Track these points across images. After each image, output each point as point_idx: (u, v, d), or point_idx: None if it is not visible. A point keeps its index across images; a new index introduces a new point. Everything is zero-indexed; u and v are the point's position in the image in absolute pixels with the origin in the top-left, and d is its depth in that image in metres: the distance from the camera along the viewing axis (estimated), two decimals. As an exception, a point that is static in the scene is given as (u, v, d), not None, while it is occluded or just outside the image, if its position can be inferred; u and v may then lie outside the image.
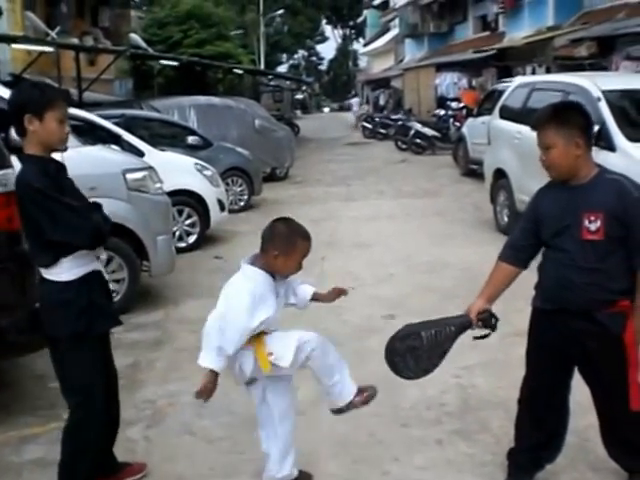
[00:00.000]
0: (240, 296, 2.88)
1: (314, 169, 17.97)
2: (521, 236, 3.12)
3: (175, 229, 8.26)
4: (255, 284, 2.92)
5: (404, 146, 21.61)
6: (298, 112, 47.61)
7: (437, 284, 6.78)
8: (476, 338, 3.09)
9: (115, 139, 8.15)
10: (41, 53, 14.74)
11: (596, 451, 3.40)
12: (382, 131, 26.55)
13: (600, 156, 4.82)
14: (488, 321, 3.06)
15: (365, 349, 5.11)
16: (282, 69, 72.63)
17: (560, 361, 3.06)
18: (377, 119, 28.80)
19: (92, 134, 7.69)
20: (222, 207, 9.25)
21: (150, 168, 6.48)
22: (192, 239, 8.91)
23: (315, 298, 3.23)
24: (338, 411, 3.20)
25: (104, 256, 5.80)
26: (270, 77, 37.68)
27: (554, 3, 21.33)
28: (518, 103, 9.12)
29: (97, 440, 3.18)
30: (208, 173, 9.21)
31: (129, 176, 6.07)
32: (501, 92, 11.38)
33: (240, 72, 28.80)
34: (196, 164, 9.16)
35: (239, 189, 12.02)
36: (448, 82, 27.55)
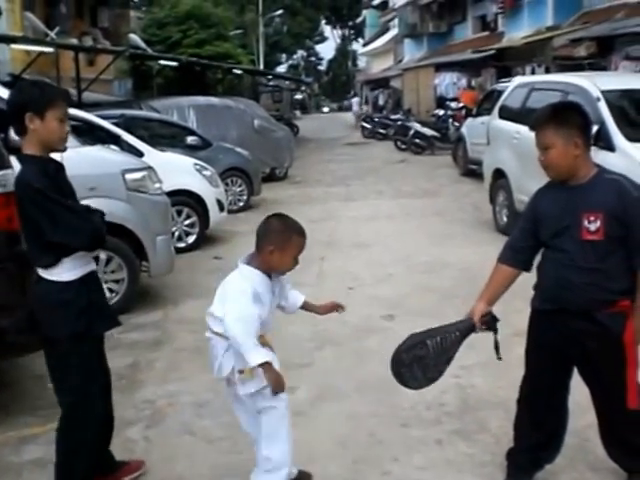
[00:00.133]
0: (243, 292, 2.88)
1: (313, 169, 17.98)
2: (520, 237, 3.12)
3: (174, 229, 8.26)
4: (252, 283, 2.92)
5: (403, 146, 21.62)
6: (297, 112, 47.61)
7: (436, 284, 6.78)
8: (496, 347, 3.09)
9: (114, 139, 8.15)
10: (40, 53, 14.73)
11: (595, 451, 3.40)
12: (381, 131, 26.56)
13: (599, 156, 4.82)
14: (491, 323, 3.07)
15: (364, 349, 5.12)
16: (281, 69, 72.71)
17: (559, 361, 3.06)
18: (376, 119, 28.82)
19: (91, 134, 7.70)
20: (221, 207, 9.25)
21: (149, 168, 6.47)
22: (191, 239, 8.91)
23: (306, 307, 3.18)
24: None
25: (103, 256, 5.85)
26: (269, 77, 37.67)
27: (553, 3, 21.36)
28: (517, 103, 9.13)
29: (94, 440, 3.18)
30: (207, 173, 9.21)
31: (128, 176, 6.07)
32: (500, 92, 11.39)
33: (239, 72, 28.81)
34: (195, 164, 9.16)
35: (238, 189, 12.03)
36: (447, 82, 27.58)
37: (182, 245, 8.67)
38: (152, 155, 8.18)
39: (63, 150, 3.07)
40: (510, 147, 8.80)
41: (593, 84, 7.54)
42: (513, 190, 8.58)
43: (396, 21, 41.39)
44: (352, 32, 78.07)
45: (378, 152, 22.16)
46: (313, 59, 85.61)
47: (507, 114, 9.42)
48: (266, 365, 2.83)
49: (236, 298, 2.87)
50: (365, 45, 57.71)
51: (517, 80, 10.56)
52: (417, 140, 20.88)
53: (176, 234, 8.54)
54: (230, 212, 10.21)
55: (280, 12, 62.40)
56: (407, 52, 39.13)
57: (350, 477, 3.45)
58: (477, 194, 11.46)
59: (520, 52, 20.72)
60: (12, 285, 3.83)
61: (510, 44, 22.37)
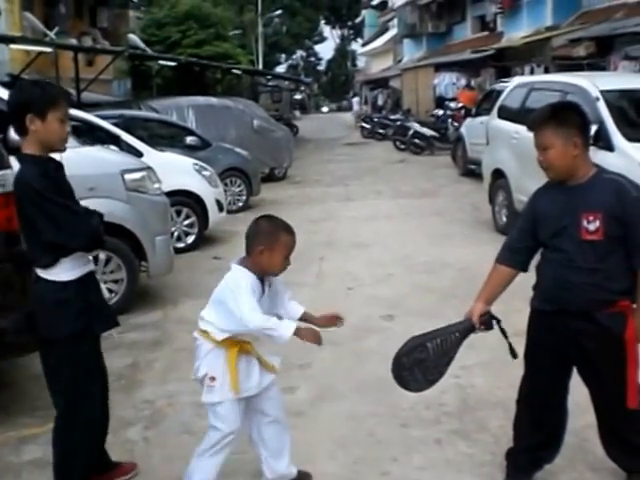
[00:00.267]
0: (243, 286, 2.90)
1: (313, 169, 17.97)
2: (518, 237, 3.12)
3: (173, 229, 8.25)
4: (247, 279, 2.94)
5: (403, 146, 21.62)
6: (297, 112, 47.58)
7: (435, 284, 6.79)
8: (511, 350, 3.10)
9: (114, 139, 8.14)
10: (39, 53, 14.73)
11: (595, 451, 3.40)
12: (381, 131, 26.55)
13: (598, 156, 4.83)
14: (489, 323, 3.07)
15: (363, 349, 5.12)
16: (280, 69, 72.65)
17: (559, 361, 3.06)
18: (376, 119, 28.80)
19: (90, 134, 7.69)
20: (220, 207, 9.24)
21: (149, 168, 6.47)
22: (190, 239, 8.91)
23: (305, 319, 3.15)
24: None
25: (102, 256, 5.85)
26: (268, 77, 37.65)
27: (552, 3, 21.36)
28: (516, 103, 9.13)
29: (92, 440, 3.18)
30: (207, 173, 9.21)
31: (127, 176, 6.07)
32: (499, 92, 11.39)
33: (238, 72, 28.82)
34: (195, 164, 9.15)
35: (237, 189, 12.02)
36: (446, 82, 27.55)
37: (181, 245, 8.67)
38: (151, 155, 8.18)
39: (63, 150, 3.07)
40: (509, 147, 8.80)
41: (592, 84, 7.55)
42: (512, 190, 8.58)
43: (395, 21, 41.41)
44: (351, 32, 78.07)
45: (377, 152, 22.16)
46: (312, 59, 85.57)
47: (506, 114, 9.42)
48: (298, 331, 2.89)
49: (239, 293, 2.88)
50: (364, 45, 57.70)
51: (516, 80, 10.57)
52: (416, 140, 20.87)
53: (175, 234, 8.53)
54: (229, 212, 10.21)
55: (279, 12, 62.41)
56: (406, 52, 39.13)
57: (349, 477, 3.45)
58: (476, 194, 11.46)
59: (519, 52, 20.72)
60: (11, 285, 3.83)
61: (509, 44, 22.37)
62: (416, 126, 21.29)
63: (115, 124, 8.84)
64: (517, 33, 23.04)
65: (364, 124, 29.06)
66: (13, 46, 15.32)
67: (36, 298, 3.07)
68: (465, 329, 3.08)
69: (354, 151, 23.25)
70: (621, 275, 2.88)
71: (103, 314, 3.18)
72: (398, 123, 22.94)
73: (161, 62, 22.54)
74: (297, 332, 2.90)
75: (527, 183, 6.95)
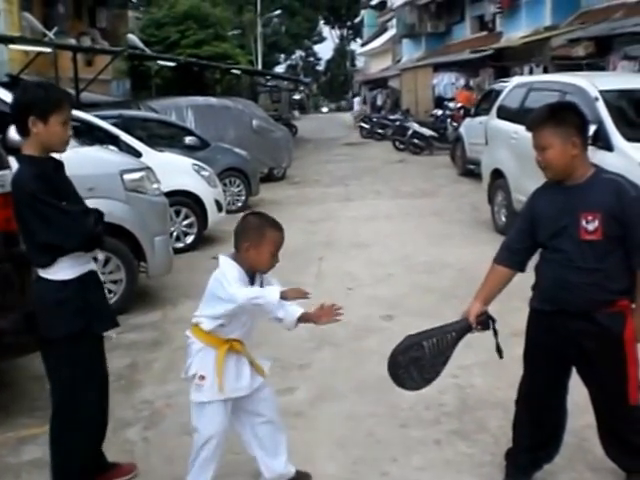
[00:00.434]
0: (228, 273, 2.94)
1: (312, 169, 17.97)
2: (517, 238, 3.12)
3: (173, 230, 8.25)
4: (235, 269, 2.97)
5: (402, 146, 21.62)
6: (296, 112, 47.58)
7: (435, 284, 6.79)
8: (498, 349, 3.10)
9: (113, 140, 8.14)
10: (38, 54, 14.73)
11: (594, 451, 3.40)
12: (380, 131, 26.54)
13: (597, 156, 4.84)
14: (486, 323, 3.07)
15: (363, 349, 5.12)
16: (280, 69, 72.60)
17: (558, 361, 3.06)
18: (375, 119, 28.80)
19: (90, 135, 7.69)
20: (220, 208, 9.24)
21: (148, 169, 6.47)
22: (190, 240, 8.91)
23: (304, 319, 3.10)
24: None
25: (101, 256, 5.84)
26: (268, 77, 37.66)
27: (551, 3, 21.36)
28: (515, 103, 9.13)
29: (89, 440, 3.18)
30: (206, 173, 9.21)
31: (126, 177, 6.06)
32: (498, 92, 11.38)
33: (238, 72, 28.82)
34: (194, 165, 9.15)
35: (237, 189, 12.02)
36: (446, 82, 27.54)
37: (180, 245, 8.66)
38: (150, 155, 8.18)
39: (62, 151, 3.07)
40: (508, 147, 8.80)
41: (591, 84, 7.55)
42: (511, 190, 8.59)
43: (394, 21, 41.36)
44: (350, 32, 78.05)
45: (376, 152, 22.15)
46: (311, 59, 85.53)
47: (505, 114, 9.42)
48: (284, 293, 2.87)
49: (225, 279, 2.91)
50: (363, 45, 57.67)
51: (515, 80, 10.57)
52: (415, 140, 20.87)
53: (174, 234, 8.53)
54: (228, 212, 10.19)
55: (278, 12, 62.40)
56: (405, 52, 39.11)
57: (349, 477, 3.45)
58: (475, 194, 11.46)
59: (518, 52, 20.72)
60: (10, 286, 3.83)
61: (508, 44, 22.36)
62: (415, 126, 21.29)
63: (114, 124, 8.84)
64: (516, 33, 23.03)
65: (363, 124, 29.05)
66: (12, 46, 15.32)
67: (36, 297, 3.08)
68: (462, 329, 3.07)
69: (353, 151, 23.25)
70: (620, 275, 2.88)
71: (102, 314, 3.18)
72: (397, 123, 22.94)
73: (160, 62, 22.53)
74: (283, 294, 2.88)
75: (526, 183, 6.95)
